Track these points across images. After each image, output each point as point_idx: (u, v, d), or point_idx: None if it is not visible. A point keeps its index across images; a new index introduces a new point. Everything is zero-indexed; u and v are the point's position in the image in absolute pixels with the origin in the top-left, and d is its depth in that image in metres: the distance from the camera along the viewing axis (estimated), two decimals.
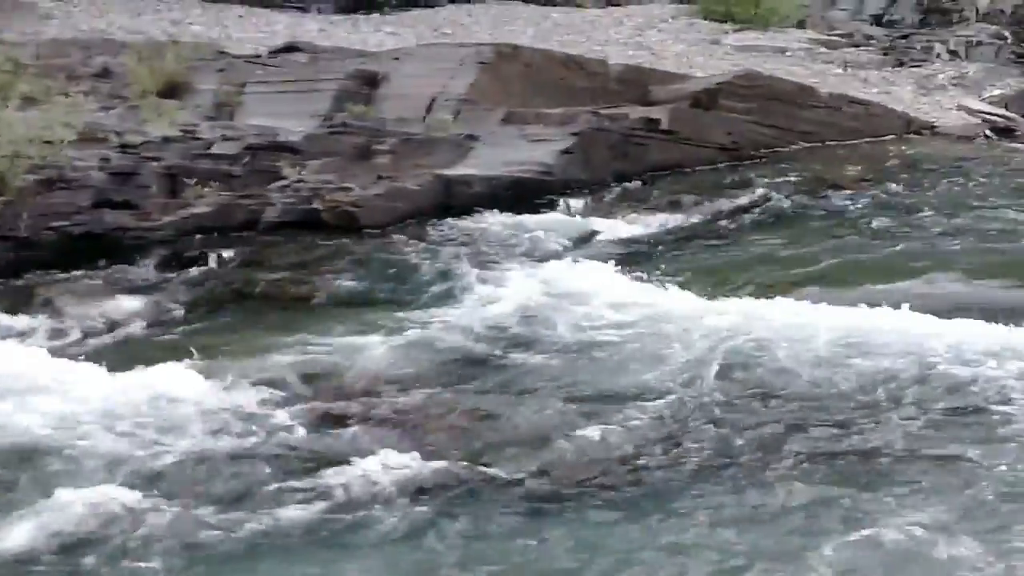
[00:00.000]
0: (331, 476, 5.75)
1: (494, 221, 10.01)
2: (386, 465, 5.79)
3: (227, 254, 9.27)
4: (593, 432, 6.17)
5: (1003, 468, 5.75)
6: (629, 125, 11.89)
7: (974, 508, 5.39)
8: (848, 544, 5.09)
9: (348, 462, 5.86)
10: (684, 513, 5.40)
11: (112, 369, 6.95)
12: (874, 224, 10.00)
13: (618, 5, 18.67)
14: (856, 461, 5.87)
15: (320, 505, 5.56)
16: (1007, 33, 18.42)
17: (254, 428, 6.26)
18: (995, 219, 10.21)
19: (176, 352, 7.21)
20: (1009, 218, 10.24)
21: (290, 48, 14.36)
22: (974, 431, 6.13)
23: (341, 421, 6.38)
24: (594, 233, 9.84)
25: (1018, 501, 5.43)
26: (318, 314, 8.11)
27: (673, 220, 10.26)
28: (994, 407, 6.38)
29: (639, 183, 11.34)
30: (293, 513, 5.49)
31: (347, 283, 8.66)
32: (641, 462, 5.88)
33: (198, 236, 9.59)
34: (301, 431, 6.29)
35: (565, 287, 8.27)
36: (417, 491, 5.63)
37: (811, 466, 5.82)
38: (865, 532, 5.18)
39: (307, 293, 8.49)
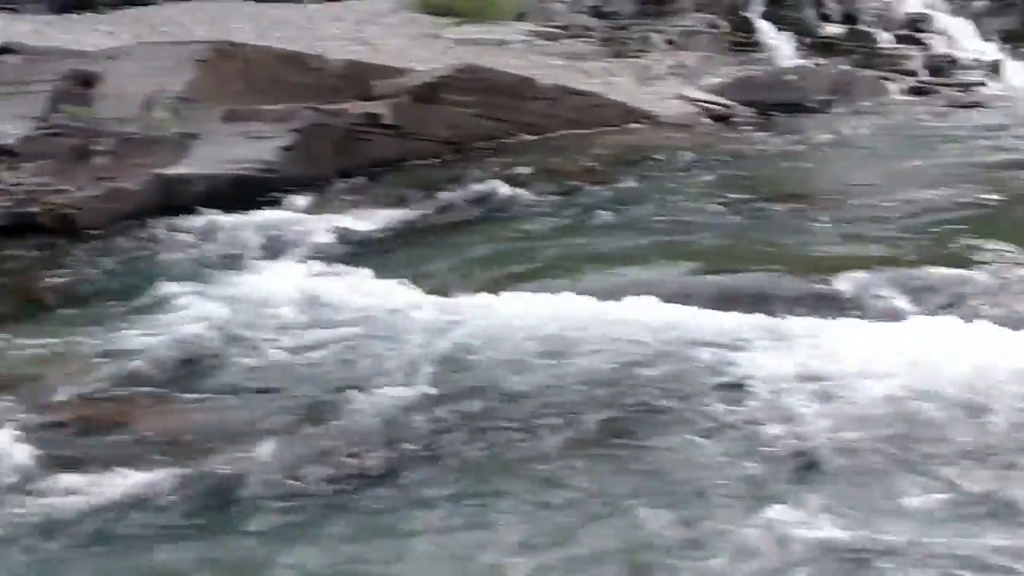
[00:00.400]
0: (27, 494, 5.59)
1: (215, 220, 9.85)
2: (87, 479, 5.66)
3: None
4: (304, 438, 6.06)
5: (698, 457, 5.80)
6: (351, 120, 11.83)
7: (667, 499, 5.40)
8: (536, 539, 5.10)
9: (47, 478, 5.70)
10: (398, 514, 5.35)
11: None
12: (597, 214, 10.06)
13: (337, 0, 18.55)
14: (575, 454, 5.88)
15: (13, 524, 5.37)
16: (723, 22, 18.82)
17: None
18: (713, 206, 10.39)
19: None
20: (727, 204, 10.44)
21: (2, 50, 13.94)
22: (685, 421, 6.15)
23: (40, 435, 6.19)
24: (317, 230, 9.71)
25: (708, 492, 5.45)
26: (20, 323, 7.91)
27: (398, 216, 10.22)
28: (707, 394, 6.44)
29: (363, 179, 11.29)
30: None
31: (55, 291, 8.47)
32: (354, 467, 5.81)
33: None
34: None
35: (282, 287, 8.18)
36: (124, 503, 5.50)
37: (525, 462, 5.78)
38: (551, 526, 5.21)
39: (11, 301, 8.31)
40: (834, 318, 7.42)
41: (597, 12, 19.10)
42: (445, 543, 5.13)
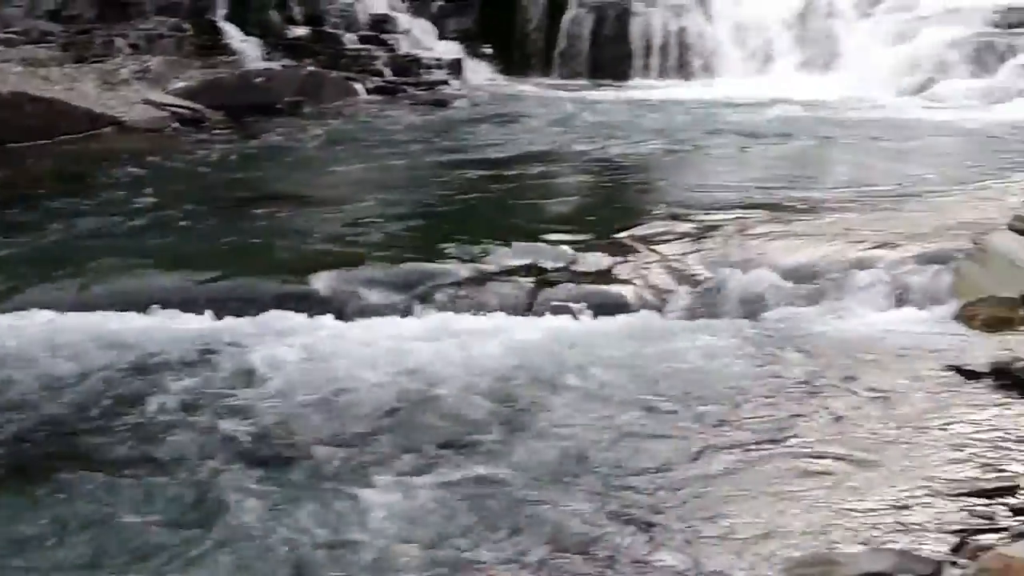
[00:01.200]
0: None
1: None
2: None
3: None
4: None
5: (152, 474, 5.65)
6: None
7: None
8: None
9: None
10: None
11: None
12: (62, 225, 9.64)
13: None
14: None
15: None
16: (187, 25, 18.68)
17: None
18: (185, 211, 10.23)
19: None
20: (199, 209, 10.32)
21: None
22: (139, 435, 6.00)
23: None
24: None
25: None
26: None
27: None
28: (169, 403, 6.34)
29: None
30: None
31: None
32: None
33: None
34: None
35: None
36: None
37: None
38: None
39: None
40: (310, 316, 7.52)
41: (56, 16, 18.62)
42: None
